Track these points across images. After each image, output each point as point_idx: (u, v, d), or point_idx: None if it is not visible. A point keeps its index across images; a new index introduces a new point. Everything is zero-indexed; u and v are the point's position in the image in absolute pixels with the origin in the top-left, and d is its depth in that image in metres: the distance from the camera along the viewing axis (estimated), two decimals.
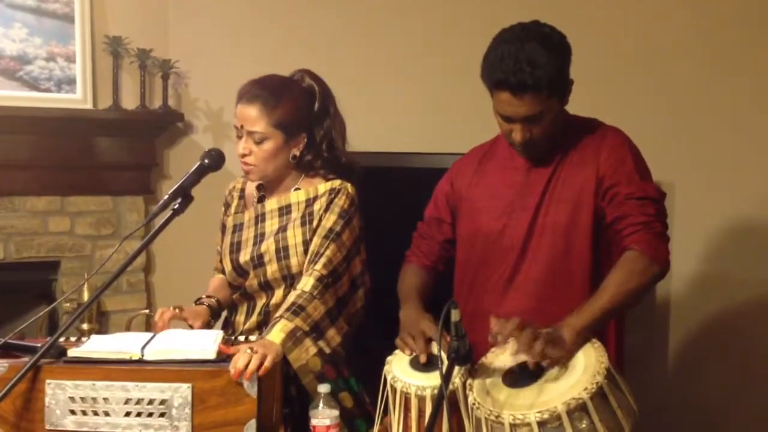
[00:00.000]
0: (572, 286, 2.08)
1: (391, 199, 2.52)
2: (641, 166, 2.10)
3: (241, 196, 2.39)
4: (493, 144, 2.29)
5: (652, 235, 1.99)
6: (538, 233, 2.11)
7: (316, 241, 2.17)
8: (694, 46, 3.37)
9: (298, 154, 2.25)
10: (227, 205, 2.42)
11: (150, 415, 1.82)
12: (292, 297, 2.09)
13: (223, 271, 2.36)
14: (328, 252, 2.14)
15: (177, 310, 2.20)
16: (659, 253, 1.99)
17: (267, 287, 2.23)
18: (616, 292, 1.92)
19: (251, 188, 2.37)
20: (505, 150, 2.20)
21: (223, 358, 1.89)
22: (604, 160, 2.08)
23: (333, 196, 2.21)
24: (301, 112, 2.24)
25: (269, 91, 2.19)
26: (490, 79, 2.01)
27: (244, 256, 2.24)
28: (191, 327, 2.20)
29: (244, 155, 2.21)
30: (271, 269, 2.20)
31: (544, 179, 2.13)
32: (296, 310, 2.05)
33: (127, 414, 1.83)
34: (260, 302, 2.25)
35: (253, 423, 1.83)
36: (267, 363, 1.86)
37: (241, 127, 2.20)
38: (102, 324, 3.48)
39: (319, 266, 2.12)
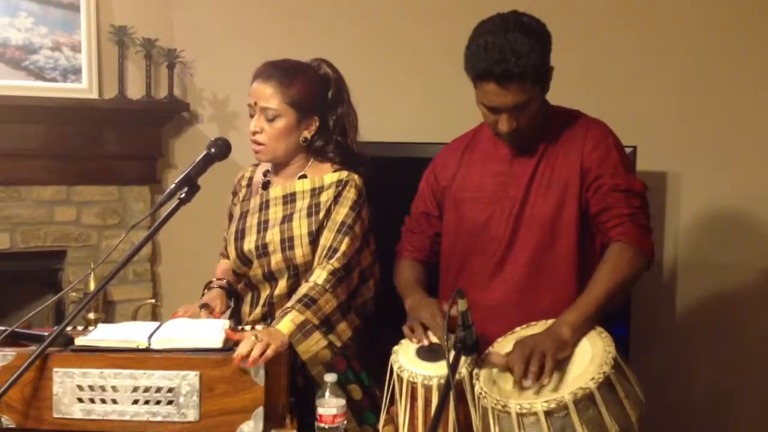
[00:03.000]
0: (557, 277, 2.09)
1: (401, 189, 2.52)
2: (625, 159, 2.12)
3: (249, 185, 2.40)
4: (476, 134, 2.29)
5: (637, 227, 2.01)
6: (525, 225, 2.11)
7: (328, 235, 2.16)
8: (697, 35, 3.35)
9: (309, 137, 2.25)
10: (235, 194, 2.42)
11: (158, 402, 1.83)
12: (304, 289, 2.09)
13: (228, 258, 2.36)
14: (342, 246, 2.14)
15: (203, 310, 2.19)
16: (645, 244, 2.01)
17: (271, 277, 2.23)
18: (608, 285, 1.93)
19: (259, 176, 2.38)
20: (488, 140, 2.20)
21: (230, 346, 1.90)
22: (589, 152, 2.08)
23: (341, 188, 2.21)
24: (315, 94, 2.25)
25: (284, 70, 2.22)
26: (475, 70, 2.01)
27: (248, 244, 2.24)
28: (213, 310, 2.21)
29: (255, 133, 2.22)
30: (275, 259, 2.20)
31: (528, 170, 2.12)
32: (307, 302, 2.05)
33: (135, 402, 1.84)
34: (264, 293, 2.25)
35: (260, 411, 1.84)
36: (269, 352, 1.86)
37: (255, 104, 2.22)
38: (108, 313, 3.48)
39: (333, 260, 2.12)
